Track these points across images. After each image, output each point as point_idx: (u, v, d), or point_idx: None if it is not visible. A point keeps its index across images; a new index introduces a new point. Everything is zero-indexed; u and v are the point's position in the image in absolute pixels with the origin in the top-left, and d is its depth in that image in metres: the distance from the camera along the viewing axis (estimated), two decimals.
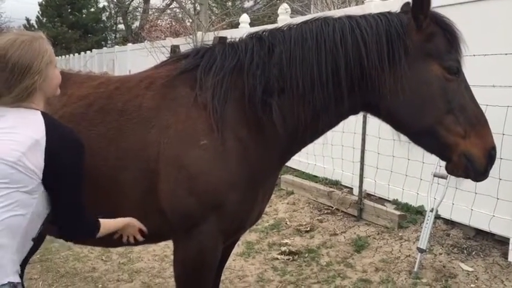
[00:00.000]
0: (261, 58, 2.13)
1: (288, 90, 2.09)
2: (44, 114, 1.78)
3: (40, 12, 39.05)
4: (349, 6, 9.71)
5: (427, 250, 4.00)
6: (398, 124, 2.16)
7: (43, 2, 38.64)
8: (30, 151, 1.66)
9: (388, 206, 4.98)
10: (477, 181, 2.18)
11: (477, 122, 2.06)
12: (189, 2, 18.10)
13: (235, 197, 2.10)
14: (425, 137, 2.11)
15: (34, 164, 1.67)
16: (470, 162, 2.05)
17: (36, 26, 37.22)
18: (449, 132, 2.05)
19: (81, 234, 1.94)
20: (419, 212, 4.70)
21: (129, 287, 3.97)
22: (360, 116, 4.83)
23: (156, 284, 4.02)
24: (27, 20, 36.92)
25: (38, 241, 1.90)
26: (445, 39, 2.08)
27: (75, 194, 1.81)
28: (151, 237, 2.35)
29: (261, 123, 2.12)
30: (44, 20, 38.09)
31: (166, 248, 4.54)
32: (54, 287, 3.98)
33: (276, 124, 2.09)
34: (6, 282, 1.65)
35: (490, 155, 2.07)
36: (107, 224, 1.99)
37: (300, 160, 6.14)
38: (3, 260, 1.65)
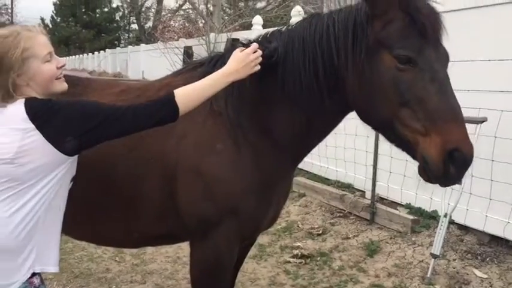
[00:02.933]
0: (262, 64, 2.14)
1: (285, 95, 2.11)
2: (26, 99, 1.74)
3: (54, 12, 39.48)
4: None
5: (441, 256, 3.98)
6: (362, 117, 2.09)
7: (57, 2, 39.06)
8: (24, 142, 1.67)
9: (401, 210, 4.96)
10: (442, 186, 1.98)
11: (439, 118, 1.79)
12: (202, 3, 18.17)
13: (250, 201, 2.15)
14: (387, 132, 1.99)
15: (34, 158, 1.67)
16: (426, 164, 1.84)
17: (50, 26, 37.63)
18: (407, 128, 1.87)
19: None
20: (433, 216, 4.67)
21: None
22: None
23: (168, 285, 4.04)
24: (42, 19, 37.40)
25: None
26: (402, 24, 1.88)
27: (104, 112, 1.75)
28: (167, 239, 2.44)
29: (270, 128, 2.16)
30: (58, 20, 38.54)
31: (179, 249, 4.57)
32: (69, 287, 4.02)
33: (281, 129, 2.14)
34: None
35: (451, 156, 1.77)
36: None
37: (313, 163, 6.13)
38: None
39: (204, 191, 2.11)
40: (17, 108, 1.71)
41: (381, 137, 5.06)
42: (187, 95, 1.85)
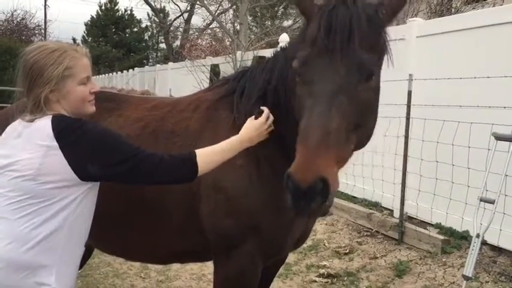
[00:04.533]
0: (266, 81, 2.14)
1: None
2: (54, 115, 1.76)
3: (86, 32, 40.61)
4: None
5: (473, 278, 3.83)
6: None
7: (89, 22, 40.19)
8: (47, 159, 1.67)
9: (430, 230, 4.83)
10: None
11: (300, 139, 1.56)
12: (229, 22, 18.41)
13: (271, 218, 2.12)
14: None
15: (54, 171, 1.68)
16: None
17: (81, 45, 38.63)
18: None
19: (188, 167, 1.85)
20: (464, 237, 4.53)
21: None
22: (402, 136, 4.74)
23: None
24: (74, 39, 38.39)
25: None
26: (307, 32, 1.72)
27: (126, 151, 1.75)
28: (192, 256, 2.43)
29: (283, 146, 2.10)
30: (89, 40, 39.56)
31: (204, 266, 4.54)
32: None
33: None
34: None
35: (287, 183, 1.50)
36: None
37: (339, 180, 6.04)
38: None
39: (225, 206, 2.11)
40: (44, 124, 1.73)
41: (410, 154, 5.00)
42: (207, 156, 1.87)
